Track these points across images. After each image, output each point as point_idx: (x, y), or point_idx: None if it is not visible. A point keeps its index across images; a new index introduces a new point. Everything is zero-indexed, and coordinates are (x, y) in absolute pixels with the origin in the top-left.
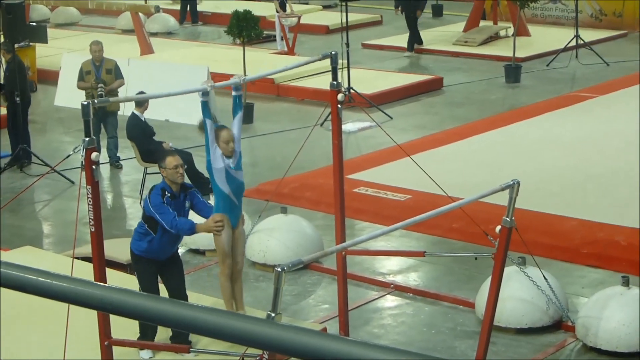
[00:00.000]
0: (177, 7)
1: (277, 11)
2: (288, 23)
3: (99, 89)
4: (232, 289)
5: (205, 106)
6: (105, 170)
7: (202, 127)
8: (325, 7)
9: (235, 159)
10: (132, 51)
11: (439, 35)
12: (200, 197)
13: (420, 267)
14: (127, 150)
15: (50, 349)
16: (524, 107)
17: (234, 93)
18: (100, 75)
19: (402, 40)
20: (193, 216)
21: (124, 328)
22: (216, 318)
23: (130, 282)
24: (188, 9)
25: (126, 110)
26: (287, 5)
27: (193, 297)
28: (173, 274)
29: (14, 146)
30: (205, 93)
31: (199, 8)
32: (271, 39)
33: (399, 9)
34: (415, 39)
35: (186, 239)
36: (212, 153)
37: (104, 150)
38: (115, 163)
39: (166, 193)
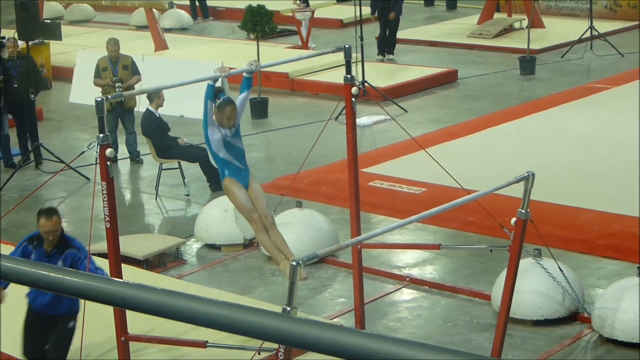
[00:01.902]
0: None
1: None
2: (302, 17)
3: (116, 87)
4: (272, 241)
5: (211, 89)
6: (125, 165)
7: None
8: (340, 1)
9: (233, 129)
10: (147, 47)
11: (454, 28)
12: (92, 264)
13: (436, 260)
14: (142, 147)
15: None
16: (539, 99)
17: (246, 75)
18: (117, 72)
19: (417, 33)
20: None
21: (141, 323)
22: (231, 313)
23: (146, 277)
24: (197, 4)
25: (142, 106)
26: None
27: (210, 292)
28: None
29: (23, 144)
30: (215, 80)
31: (213, 4)
32: (285, 33)
33: (375, 15)
34: (391, 44)
35: (202, 234)
36: (210, 128)
37: (123, 146)
38: (136, 158)
39: (34, 241)
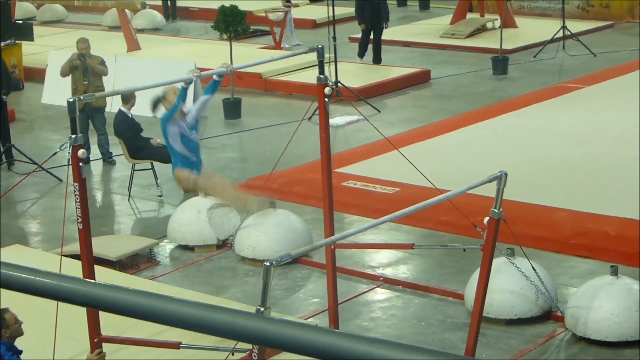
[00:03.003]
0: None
1: (284, 4)
2: (275, 17)
3: (84, 83)
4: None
5: (184, 92)
6: (97, 166)
7: (154, 105)
8: (312, 1)
9: (189, 123)
10: (119, 48)
11: (426, 28)
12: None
13: (409, 260)
14: (115, 147)
15: (41, 347)
16: (512, 98)
17: (215, 78)
18: (88, 72)
19: (390, 33)
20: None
21: (114, 325)
22: (205, 313)
23: (119, 278)
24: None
25: (114, 106)
26: None
27: (184, 293)
28: None
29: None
30: (188, 82)
31: (186, 4)
32: (258, 33)
33: (363, 24)
34: (379, 51)
35: (175, 235)
36: (170, 123)
37: (95, 147)
38: (108, 159)
39: None
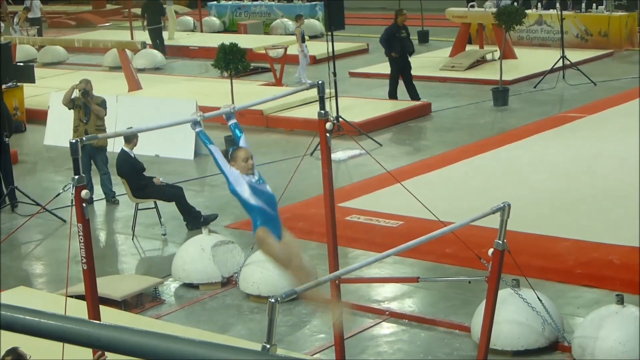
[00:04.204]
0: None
1: (298, 42)
2: (274, 54)
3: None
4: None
5: (202, 134)
6: (100, 206)
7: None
8: (312, 37)
9: (256, 175)
10: (120, 88)
11: (426, 61)
12: None
13: (415, 293)
14: (117, 187)
15: None
16: (513, 130)
17: (229, 122)
18: (89, 111)
19: (388, 68)
20: None
21: None
22: (210, 351)
23: (124, 318)
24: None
25: (116, 146)
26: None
27: (189, 331)
28: None
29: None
30: (196, 123)
31: (186, 42)
32: (258, 70)
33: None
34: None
35: (179, 273)
36: (229, 175)
37: (97, 187)
38: (111, 199)
39: None
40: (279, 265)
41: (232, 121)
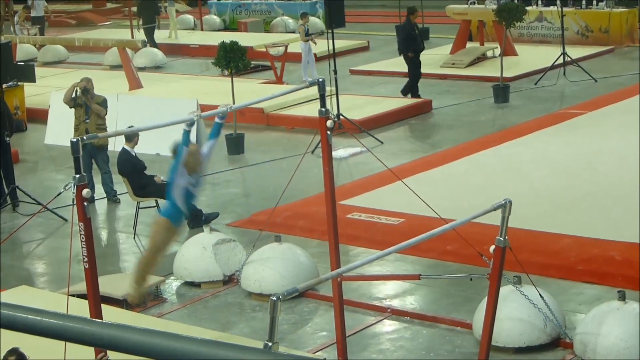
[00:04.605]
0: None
1: (303, 39)
2: (275, 52)
3: (86, 121)
4: (145, 268)
5: (187, 135)
6: (102, 205)
7: (174, 151)
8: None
9: (197, 178)
10: (121, 86)
11: (427, 58)
12: None
13: (416, 291)
14: (118, 186)
15: None
16: (514, 126)
17: (217, 120)
18: (90, 110)
19: (390, 65)
20: None
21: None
22: (212, 350)
23: (126, 317)
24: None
25: (116, 145)
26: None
27: (191, 330)
28: None
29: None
30: (190, 124)
31: (187, 41)
32: (259, 69)
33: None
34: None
35: (181, 272)
36: (178, 172)
37: (99, 186)
38: (112, 198)
39: None
40: (148, 249)
41: (221, 121)
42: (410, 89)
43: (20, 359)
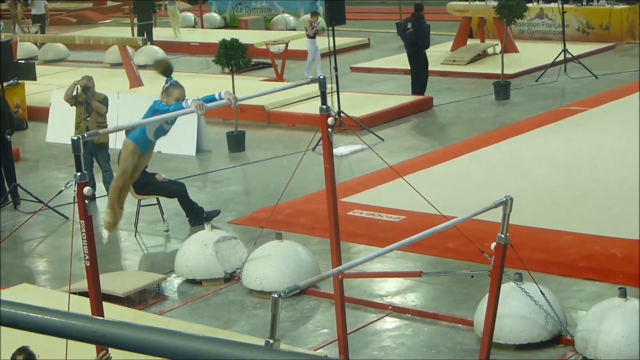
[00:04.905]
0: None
1: (308, 35)
2: (276, 50)
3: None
4: (119, 194)
5: (179, 106)
6: (103, 203)
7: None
8: None
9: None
10: (122, 85)
11: (427, 55)
12: None
13: (417, 288)
14: None
15: None
16: (515, 123)
17: (216, 96)
18: (91, 108)
19: (392, 62)
20: None
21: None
22: (213, 347)
23: (127, 314)
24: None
25: (117, 144)
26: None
27: (192, 327)
28: None
29: (0, 185)
30: (188, 105)
31: (188, 39)
32: (259, 66)
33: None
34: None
35: (182, 269)
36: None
37: (100, 184)
38: None
39: None
40: (120, 173)
41: (221, 99)
42: (423, 87)
43: (29, 358)
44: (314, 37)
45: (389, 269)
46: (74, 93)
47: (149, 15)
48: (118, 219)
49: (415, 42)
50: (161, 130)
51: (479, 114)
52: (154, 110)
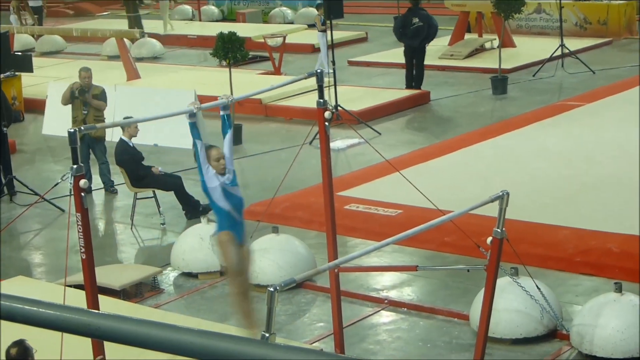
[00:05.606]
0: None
1: (318, 29)
2: (273, 43)
3: (83, 111)
4: (243, 307)
5: (194, 127)
6: (99, 196)
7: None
8: (310, 26)
9: (230, 175)
10: (119, 77)
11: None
12: None
13: (413, 282)
14: (116, 177)
15: None
16: (512, 118)
17: (222, 112)
18: (88, 102)
19: (389, 56)
20: None
21: (118, 355)
22: (209, 341)
23: (123, 307)
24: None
25: (114, 137)
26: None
27: (188, 321)
28: None
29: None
30: (192, 114)
31: (185, 32)
32: (257, 59)
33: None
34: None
35: (178, 263)
36: (205, 173)
37: (97, 177)
38: (110, 188)
39: None
40: (228, 273)
41: (226, 112)
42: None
43: (24, 351)
44: (324, 31)
45: (386, 263)
46: (75, 95)
47: (135, 8)
48: (258, 327)
49: (428, 34)
50: (228, 193)
51: (477, 108)
52: (204, 186)
